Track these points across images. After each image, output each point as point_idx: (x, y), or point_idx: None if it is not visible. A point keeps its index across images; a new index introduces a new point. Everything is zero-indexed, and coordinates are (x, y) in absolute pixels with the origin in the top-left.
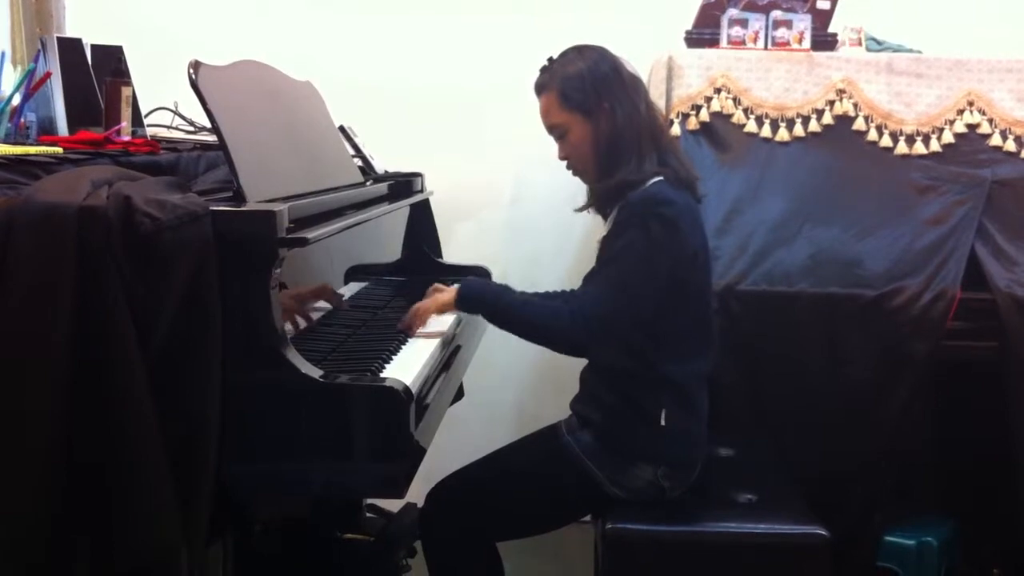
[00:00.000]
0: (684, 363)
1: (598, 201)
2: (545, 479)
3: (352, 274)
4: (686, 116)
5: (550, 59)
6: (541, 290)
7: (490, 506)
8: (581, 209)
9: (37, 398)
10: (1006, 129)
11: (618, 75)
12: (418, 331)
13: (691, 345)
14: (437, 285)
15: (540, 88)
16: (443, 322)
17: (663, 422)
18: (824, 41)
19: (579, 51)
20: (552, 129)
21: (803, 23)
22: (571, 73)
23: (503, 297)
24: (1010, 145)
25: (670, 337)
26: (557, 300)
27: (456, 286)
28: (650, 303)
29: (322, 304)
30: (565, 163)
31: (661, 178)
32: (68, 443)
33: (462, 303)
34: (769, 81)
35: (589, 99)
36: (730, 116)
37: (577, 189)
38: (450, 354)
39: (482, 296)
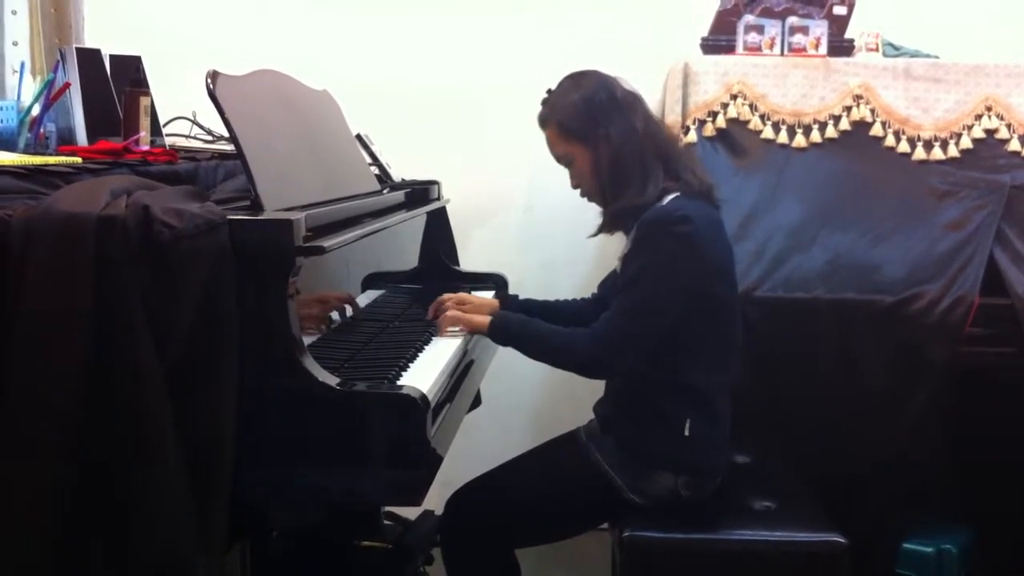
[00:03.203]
0: (710, 373)
1: (609, 225)
2: (564, 485)
3: (369, 282)
4: (702, 123)
5: (549, 91)
6: (558, 297)
7: (509, 512)
8: (595, 234)
9: (55, 403)
10: None
11: (612, 98)
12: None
13: (717, 355)
14: (463, 296)
15: (542, 122)
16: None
17: (687, 431)
18: (841, 47)
19: (573, 80)
20: (558, 160)
21: (819, 29)
22: (567, 104)
23: (528, 328)
24: None
25: (696, 347)
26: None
27: (489, 318)
28: (669, 321)
29: (339, 312)
30: (578, 191)
31: (677, 193)
32: (84, 447)
33: (493, 332)
34: (786, 87)
35: (586, 128)
36: (747, 122)
37: None
38: (467, 362)
39: (509, 327)
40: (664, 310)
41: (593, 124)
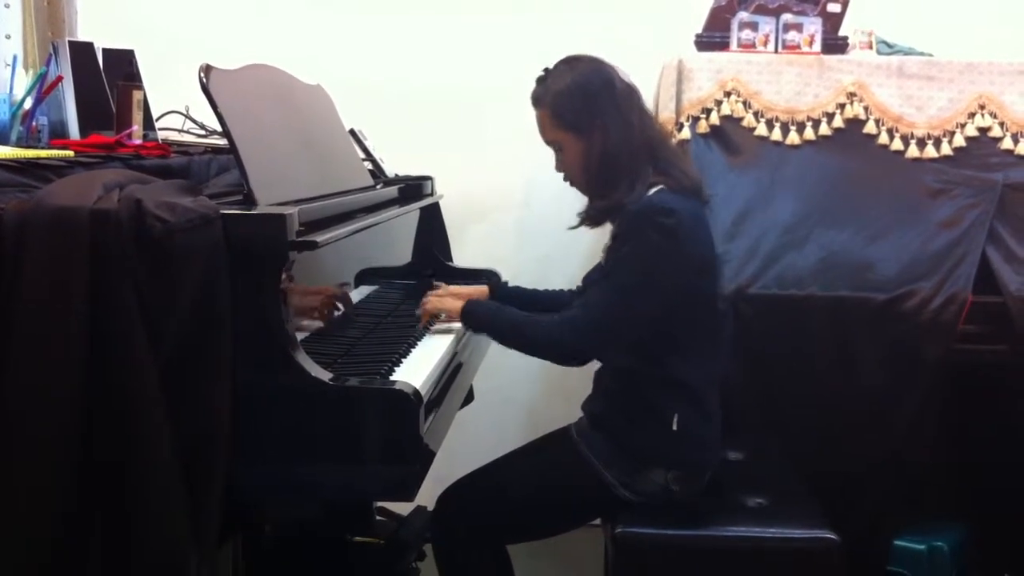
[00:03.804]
0: (697, 367)
1: (592, 219)
2: (556, 482)
3: (362, 277)
4: (696, 119)
5: (545, 70)
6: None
7: (501, 509)
8: (576, 227)
9: (50, 398)
10: (1017, 132)
11: (610, 89)
12: (432, 325)
13: (704, 349)
14: (450, 288)
15: (535, 102)
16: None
17: (675, 426)
18: (835, 44)
19: (571, 65)
20: (548, 143)
21: (813, 26)
22: (562, 89)
23: (500, 314)
24: (1021, 149)
25: (682, 342)
26: (555, 313)
27: (463, 303)
28: (650, 312)
29: (332, 307)
30: (562, 176)
31: (661, 186)
32: (80, 443)
33: (465, 318)
34: (780, 84)
35: (581, 117)
36: (740, 119)
37: None
38: (460, 358)
39: (481, 313)
40: (641, 300)
41: (588, 115)
